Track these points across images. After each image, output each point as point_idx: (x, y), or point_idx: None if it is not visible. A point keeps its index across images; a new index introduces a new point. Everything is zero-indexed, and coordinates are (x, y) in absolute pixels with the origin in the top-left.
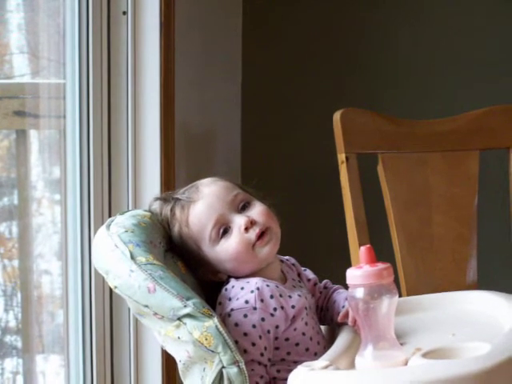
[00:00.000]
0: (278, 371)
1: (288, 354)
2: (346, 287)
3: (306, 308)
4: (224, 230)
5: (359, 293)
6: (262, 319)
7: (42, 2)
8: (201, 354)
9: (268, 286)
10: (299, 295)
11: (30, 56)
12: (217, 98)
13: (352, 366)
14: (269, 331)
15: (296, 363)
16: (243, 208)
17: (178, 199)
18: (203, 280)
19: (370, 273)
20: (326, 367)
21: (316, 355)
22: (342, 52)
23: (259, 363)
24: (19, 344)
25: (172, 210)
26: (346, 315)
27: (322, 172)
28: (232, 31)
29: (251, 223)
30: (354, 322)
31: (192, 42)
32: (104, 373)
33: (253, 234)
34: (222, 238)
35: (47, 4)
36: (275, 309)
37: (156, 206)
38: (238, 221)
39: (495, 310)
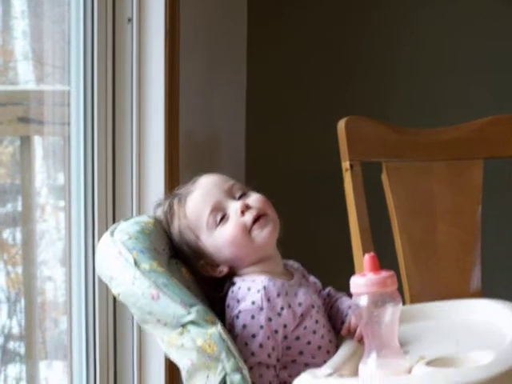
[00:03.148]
0: (290, 376)
1: (300, 353)
2: (350, 295)
3: (313, 306)
4: (221, 217)
5: (363, 301)
6: (269, 319)
7: (46, 8)
8: (204, 361)
9: (274, 284)
10: (304, 293)
11: (34, 63)
12: (221, 105)
13: (355, 373)
14: (277, 331)
15: (307, 366)
16: (240, 197)
17: (175, 194)
18: (204, 278)
19: (374, 281)
20: (330, 375)
21: (329, 353)
22: (347, 59)
23: (267, 366)
24: (22, 350)
25: (170, 204)
26: (349, 329)
27: (326, 179)
28: (237, 38)
29: (247, 207)
30: (360, 339)
31: (197, 49)
32: (107, 380)
33: (249, 217)
34: (219, 224)
35: (52, 11)
36: (282, 308)
37: (159, 210)
38: (234, 206)
39: (499, 318)
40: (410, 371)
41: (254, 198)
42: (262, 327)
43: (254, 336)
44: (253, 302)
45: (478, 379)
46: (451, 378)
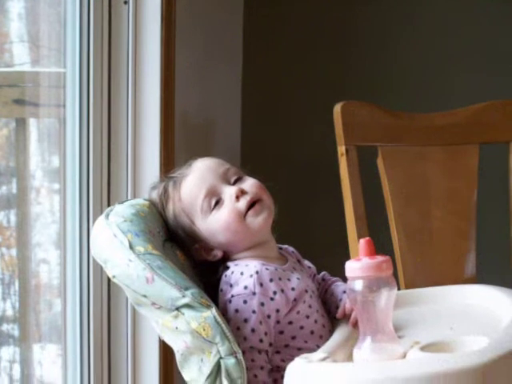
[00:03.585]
0: (283, 360)
1: (293, 338)
2: (345, 280)
3: (307, 291)
4: (216, 201)
5: (358, 285)
6: (262, 304)
7: None
8: (199, 344)
9: (267, 269)
10: (298, 278)
11: (30, 45)
12: (217, 89)
13: (350, 358)
14: (269, 316)
15: (300, 350)
16: (235, 182)
17: (170, 177)
18: (198, 262)
19: (369, 265)
20: (324, 359)
21: (321, 338)
22: (343, 44)
23: (259, 351)
24: (16, 333)
25: (165, 187)
26: (345, 312)
27: (321, 164)
28: (233, 21)
29: (242, 192)
30: (355, 323)
31: (193, 32)
32: (101, 363)
33: (243, 202)
34: (213, 209)
35: None
36: (275, 292)
37: (154, 193)
38: (229, 190)
39: (493, 304)
40: (404, 356)
41: (250, 183)
42: (254, 312)
43: (246, 321)
44: (245, 287)
45: (473, 364)
46: (446, 363)
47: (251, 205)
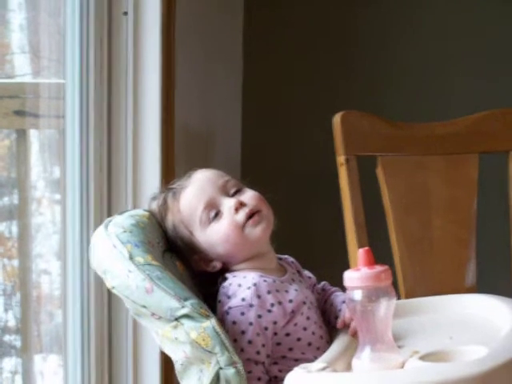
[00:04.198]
0: (280, 371)
1: (290, 349)
2: (344, 289)
3: (305, 302)
4: (215, 213)
5: (357, 295)
6: (259, 316)
7: (43, 1)
8: (198, 354)
9: (265, 280)
10: (296, 290)
11: (31, 56)
12: (217, 99)
13: (349, 368)
14: (266, 328)
15: (297, 361)
16: (234, 194)
17: (170, 188)
18: (198, 272)
19: (368, 275)
20: (323, 369)
21: (319, 349)
22: (343, 53)
23: (256, 363)
24: (18, 343)
25: (164, 198)
26: (344, 322)
27: (322, 173)
28: (233, 32)
29: (241, 204)
30: (354, 333)
31: (193, 42)
32: (102, 373)
33: (242, 214)
34: (212, 221)
35: (48, 4)
36: (272, 304)
37: (153, 204)
38: (228, 203)
39: (493, 313)
40: (403, 366)
41: (249, 195)
42: (251, 324)
43: (243, 333)
44: (243, 299)
45: (472, 374)
46: (444, 372)
47: (250, 216)
